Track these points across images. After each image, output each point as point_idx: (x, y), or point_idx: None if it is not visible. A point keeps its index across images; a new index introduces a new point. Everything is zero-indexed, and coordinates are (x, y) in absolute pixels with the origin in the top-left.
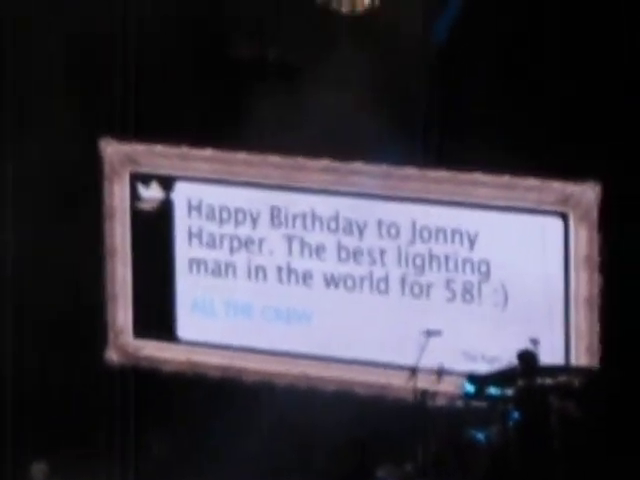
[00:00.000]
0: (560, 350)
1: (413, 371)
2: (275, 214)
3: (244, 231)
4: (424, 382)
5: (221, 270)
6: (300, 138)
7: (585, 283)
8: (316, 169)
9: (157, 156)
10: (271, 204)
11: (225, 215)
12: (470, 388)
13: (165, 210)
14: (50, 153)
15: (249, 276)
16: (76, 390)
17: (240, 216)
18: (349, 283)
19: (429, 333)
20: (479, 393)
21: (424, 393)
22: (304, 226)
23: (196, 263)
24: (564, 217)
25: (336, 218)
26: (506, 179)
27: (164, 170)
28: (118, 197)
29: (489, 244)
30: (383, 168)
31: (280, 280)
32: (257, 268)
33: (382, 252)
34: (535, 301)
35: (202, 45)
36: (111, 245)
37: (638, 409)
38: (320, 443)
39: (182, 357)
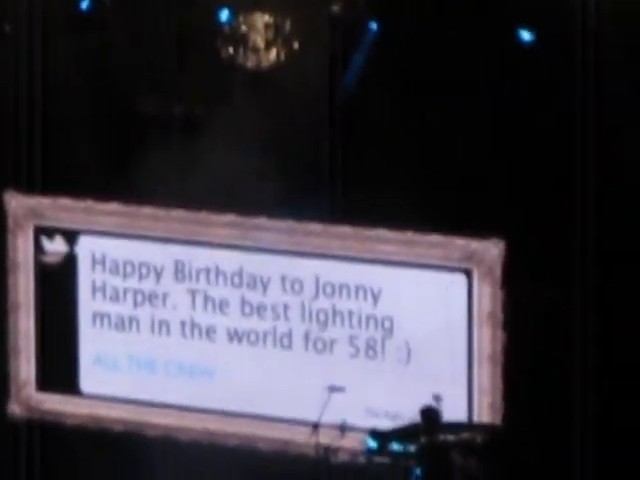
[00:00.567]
0: (463, 407)
1: (316, 426)
2: (179, 268)
3: (148, 285)
4: (327, 438)
5: (124, 324)
6: (205, 193)
7: (488, 340)
8: (220, 224)
9: (61, 210)
10: (175, 258)
11: (129, 269)
12: (373, 444)
13: (69, 264)
14: None
15: (152, 330)
16: None
17: (144, 270)
18: (252, 338)
19: (332, 389)
20: (382, 449)
21: (327, 449)
22: (208, 281)
23: (99, 317)
24: (468, 274)
25: (240, 273)
26: (410, 235)
27: (68, 224)
28: (22, 251)
29: (393, 300)
30: (287, 223)
31: (183, 335)
32: (160, 322)
33: (286, 307)
34: (438, 358)
35: (107, 99)
36: (14, 299)
37: (540, 466)
38: None
39: (85, 410)
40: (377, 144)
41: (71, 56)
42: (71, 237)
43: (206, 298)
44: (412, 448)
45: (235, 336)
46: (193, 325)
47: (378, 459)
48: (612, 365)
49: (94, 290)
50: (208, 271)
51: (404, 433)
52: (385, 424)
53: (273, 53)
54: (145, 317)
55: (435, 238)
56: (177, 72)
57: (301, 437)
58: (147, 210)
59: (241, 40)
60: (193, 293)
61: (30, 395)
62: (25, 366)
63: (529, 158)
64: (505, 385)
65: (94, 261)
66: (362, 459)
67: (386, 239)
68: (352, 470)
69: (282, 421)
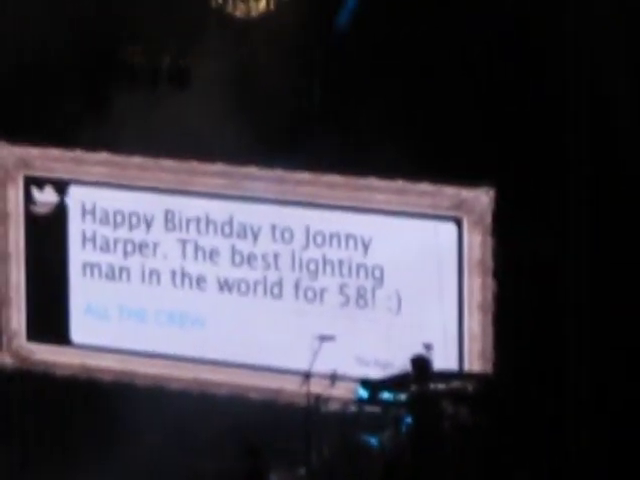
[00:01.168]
0: (453, 355)
1: (306, 376)
2: (169, 218)
3: (138, 235)
4: (317, 387)
5: (115, 274)
6: (194, 142)
7: (478, 288)
8: (210, 173)
9: (51, 160)
10: (165, 208)
11: (119, 219)
12: (363, 393)
13: (59, 214)
14: None
15: (143, 280)
16: None
17: (134, 220)
18: (243, 288)
19: (322, 338)
20: (372, 398)
21: (317, 398)
22: (198, 230)
23: (90, 267)
24: (458, 222)
25: (230, 222)
26: (400, 184)
27: (58, 174)
28: (12, 201)
29: (383, 249)
30: (277, 173)
31: (174, 284)
32: (151, 272)
33: (276, 257)
34: (429, 306)
35: (96, 49)
36: (4, 249)
37: (531, 414)
38: (213, 447)
39: (75, 361)
40: (367, 94)
41: (58, 3)
42: (61, 187)
43: (196, 247)
44: (403, 397)
45: (225, 286)
46: (183, 275)
47: (369, 408)
48: (605, 312)
49: (84, 240)
50: (198, 220)
51: (395, 382)
52: (375, 373)
53: (263, 2)
54: (135, 267)
55: (425, 187)
56: (165, 22)
57: (292, 386)
58: (137, 160)
59: None
60: (183, 243)
61: (21, 345)
62: (15, 316)
63: (520, 106)
64: (495, 333)
65: (84, 211)
66: (352, 408)
67: (376, 188)
68: (342, 419)
69: (272, 370)
